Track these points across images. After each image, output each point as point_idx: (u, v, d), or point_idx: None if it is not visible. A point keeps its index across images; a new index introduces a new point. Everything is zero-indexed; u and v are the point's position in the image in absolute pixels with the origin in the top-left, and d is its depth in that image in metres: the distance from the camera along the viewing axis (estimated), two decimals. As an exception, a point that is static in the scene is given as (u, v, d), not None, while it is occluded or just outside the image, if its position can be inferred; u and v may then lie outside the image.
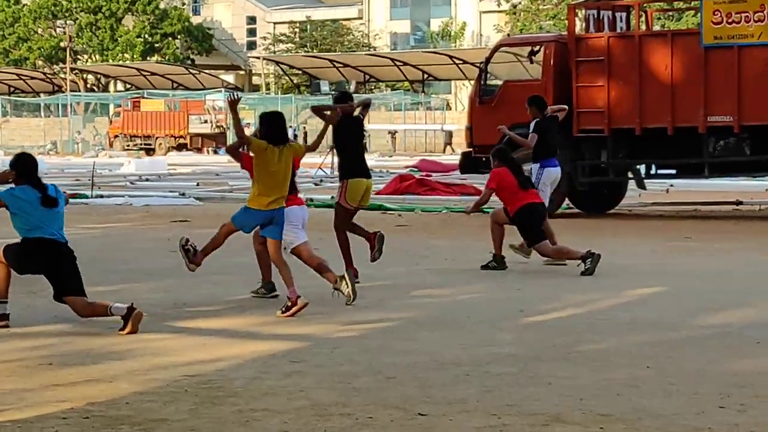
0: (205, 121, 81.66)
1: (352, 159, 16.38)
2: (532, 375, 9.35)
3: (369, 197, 17.20)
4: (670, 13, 33.81)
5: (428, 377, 9.26)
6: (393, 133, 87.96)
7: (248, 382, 9.10)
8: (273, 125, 14.27)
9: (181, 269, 15.19)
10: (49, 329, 11.86)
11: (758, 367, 9.62)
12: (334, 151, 18.72)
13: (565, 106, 21.32)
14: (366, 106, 17.96)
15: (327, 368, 9.74)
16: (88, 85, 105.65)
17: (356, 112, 16.90)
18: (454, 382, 9.09)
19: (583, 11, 27.60)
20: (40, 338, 11.36)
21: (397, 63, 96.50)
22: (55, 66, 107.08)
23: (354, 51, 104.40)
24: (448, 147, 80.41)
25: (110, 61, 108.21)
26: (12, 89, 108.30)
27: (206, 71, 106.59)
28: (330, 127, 16.83)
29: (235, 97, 15.74)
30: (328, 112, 17.20)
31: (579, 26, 27.04)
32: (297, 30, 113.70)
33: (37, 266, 12.38)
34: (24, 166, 12.78)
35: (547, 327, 12.05)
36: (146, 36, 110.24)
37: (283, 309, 13.06)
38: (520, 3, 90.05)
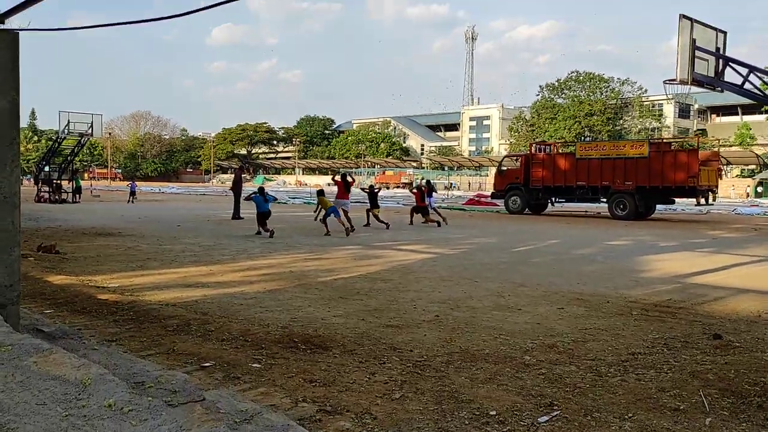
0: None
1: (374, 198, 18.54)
2: (513, 269, 10.26)
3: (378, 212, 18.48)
4: (565, 146, 35.68)
5: (482, 269, 10.17)
6: (480, 185, 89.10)
7: (419, 267, 10.03)
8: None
9: (400, 228, 17.38)
10: (354, 248, 12.42)
11: (596, 270, 10.49)
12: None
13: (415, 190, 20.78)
14: (380, 189, 20.39)
15: (445, 263, 10.62)
16: (368, 166, 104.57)
17: (376, 190, 18.96)
18: (489, 269, 9.99)
19: (534, 145, 28.83)
20: (350, 251, 12.01)
21: (471, 160, 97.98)
22: (358, 159, 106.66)
23: (455, 156, 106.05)
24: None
25: (376, 158, 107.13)
26: (342, 166, 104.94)
27: (407, 162, 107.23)
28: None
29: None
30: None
31: (533, 150, 27.98)
32: (437, 148, 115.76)
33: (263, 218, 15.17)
34: (259, 190, 15.79)
35: (516, 252, 12.58)
36: (387, 150, 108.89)
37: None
38: (514, 141, 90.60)
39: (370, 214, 18.72)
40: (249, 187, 17.51)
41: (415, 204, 20.25)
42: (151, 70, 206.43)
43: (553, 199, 27.89)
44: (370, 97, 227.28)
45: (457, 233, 17.07)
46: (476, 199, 38.25)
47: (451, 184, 76.64)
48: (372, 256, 11.59)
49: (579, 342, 5.56)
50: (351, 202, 17.46)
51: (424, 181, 20.98)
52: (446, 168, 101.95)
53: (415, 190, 20.41)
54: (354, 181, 18.68)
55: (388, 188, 78.15)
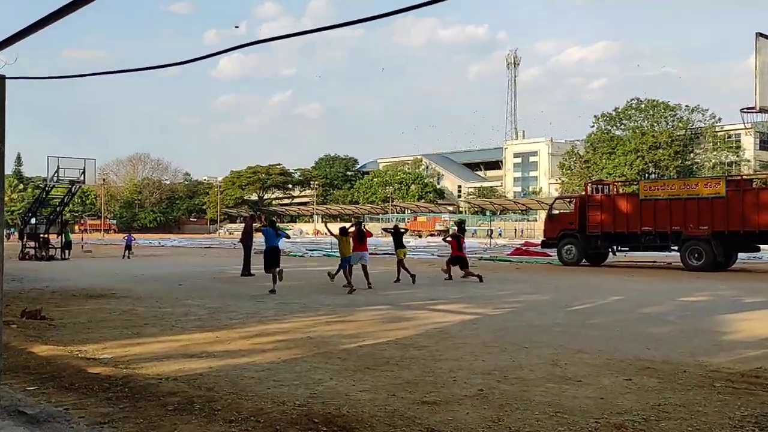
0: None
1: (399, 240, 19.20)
2: (570, 332, 10.18)
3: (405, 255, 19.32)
4: (627, 185, 35.84)
5: (532, 332, 10.09)
6: (522, 231, 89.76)
7: (457, 331, 10.02)
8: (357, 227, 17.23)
9: (433, 283, 17.33)
10: (382, 308, 12.49)
11: (669, 332, 10.30)
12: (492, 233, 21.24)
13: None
14: (406, 230, 21.83)
15: (489, 326, 10.58)
16: (396, 211, 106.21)
17: (402, 231, 19.86)
18: (542, 333, 9.93)
19: (590, 185, 29.06)
20: (378, 312, 12.09)
21: (516, 203, 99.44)
22: (385, 203, 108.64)
23: (497, 198, 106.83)
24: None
25: (405, 201, 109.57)
26: (368, 212, 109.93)
27: (442, 206, 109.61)
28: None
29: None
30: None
31: (589, 191, 28.16)
32: (477, 190, 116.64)
33: (272, 257, 15.82)
34: (270, 223, 16.61)
35: (572, 311, 12.48)
36: (419, 192, 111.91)
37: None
38: (566, 180, 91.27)
39: (401, 268, 18.71)
40: (261, 238, 17.90)
41: (451, 255, 20.22)
42: (150, 106, 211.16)
43: (615, 247, 27.66)
44: (398, 132, 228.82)
45: (502, 289, 16.97)
46: (524, 248, 38.19)
47: (492, 230, 76.41)
48: (403, 318, 11.56)
49: (651, 421, 5.40)
50: (377, 252, 17.66)
51: (457, 226, 21.05)
52: (488, 212, 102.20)
53: (449, 239, 20.48)
54: (370, 233, 18.79)
55: (420, 237, 78.23)
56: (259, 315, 11.95)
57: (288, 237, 18.55)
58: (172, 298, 14.66)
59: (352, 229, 17.48)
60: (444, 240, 22.21)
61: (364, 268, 16.75)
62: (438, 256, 33.87)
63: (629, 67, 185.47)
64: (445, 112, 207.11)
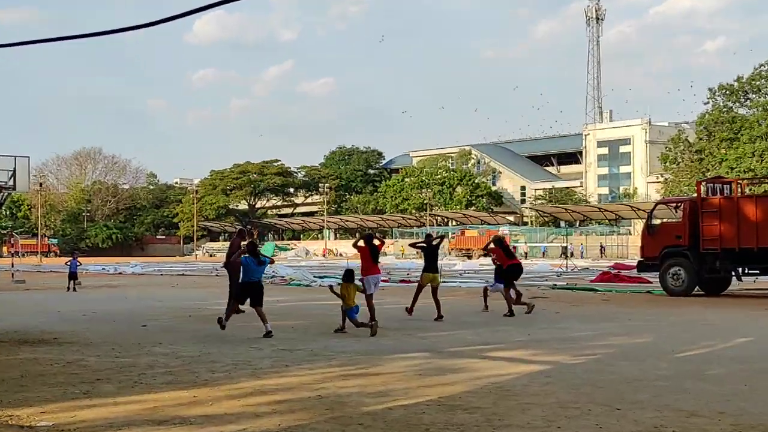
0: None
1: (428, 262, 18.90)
2: (679, 387, 10.11)
3: (437, 282, 19.09)
4: (756, 183, 35.59)
5: (626, 388, 10.01)
6: (603, 248, 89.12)
7: (523, 386, 9.98)
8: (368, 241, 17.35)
9: (483, 320, 17.43)
10: (419, 355, 12.44)
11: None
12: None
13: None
14: (441, 238, 21.22)
15: (566, 380, 10.52)
16: (437, 223, 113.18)
17: (435, 242, 19.29)
18: (639, 389, 9.83)
19: (705, 184, 28.97)
20: (413, 361, 12.00)
21: (602, 210, 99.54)
22: (421, 212, 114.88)
23: (576, 204, 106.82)
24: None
25: (449, 210, 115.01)
26: (398, 225, 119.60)
27: (499, 215, 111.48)
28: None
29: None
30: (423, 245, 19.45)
31: (702, 192, 27.97)
32: (547, 192, 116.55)
33: (246, 294, 15.97)
34: (249, 248, 16.41)
35: (681, 359, 12.45)
36: (468, 197, 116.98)
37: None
38: (671, 178, 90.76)
39: (438, 302, 18.59)
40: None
41: (500, 275, 20.27)
42: (103, 86, 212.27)
43: (740, 270, 27.38)
44: (436, 114, 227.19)
45: (584, 329, 16.88)
46: (613, 272, 37.97)
47: (569, 248, 75.90)
48: (447, 369, 11.52)
49: None
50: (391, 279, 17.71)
51: (502, 232, 21.41)
52: (563, 223, 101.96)
53: (492, 247, 20.47)
54: (383, 242, 18.78)
55: (469, 258, 78.05)
56: (252, 366, 11.94)
57: (272, 262, 18.37)
58: (134, 344, 14.70)
59: (361, 243, 17.45)
60: (485, 250, 22.11)
61: (369, 298, 16.85)
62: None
63: (757, 21, 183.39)
64: (502, 87, 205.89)
